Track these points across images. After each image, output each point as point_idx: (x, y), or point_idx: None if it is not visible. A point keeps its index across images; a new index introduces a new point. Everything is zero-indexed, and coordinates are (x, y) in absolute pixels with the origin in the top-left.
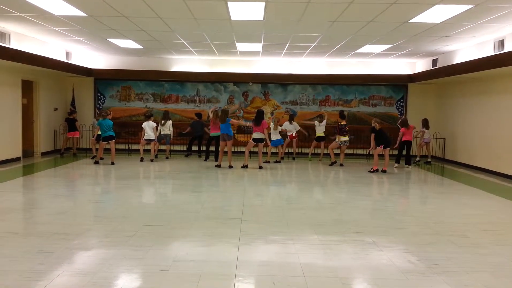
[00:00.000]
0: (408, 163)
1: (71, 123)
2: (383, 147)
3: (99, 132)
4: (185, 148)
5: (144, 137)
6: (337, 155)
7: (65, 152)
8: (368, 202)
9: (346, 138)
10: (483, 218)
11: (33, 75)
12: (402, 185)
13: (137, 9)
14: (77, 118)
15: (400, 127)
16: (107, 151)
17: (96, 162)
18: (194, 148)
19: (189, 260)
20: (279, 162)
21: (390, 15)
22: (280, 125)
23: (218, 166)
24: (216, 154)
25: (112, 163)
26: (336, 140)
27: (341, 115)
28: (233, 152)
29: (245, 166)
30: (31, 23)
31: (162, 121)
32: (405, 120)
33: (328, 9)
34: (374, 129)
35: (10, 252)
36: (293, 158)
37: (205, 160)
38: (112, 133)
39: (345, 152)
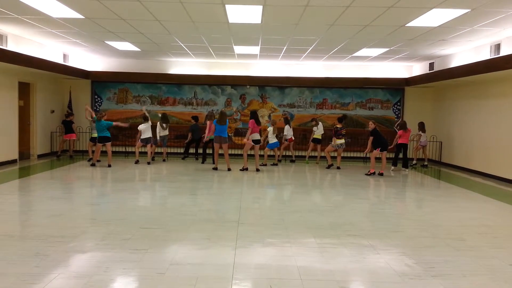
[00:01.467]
0: (405, 166)
1: (67, 125)
2: (380, 150)
3: (95, 134)
4: (181, 150)
5: (141, 137)
6: (333, 157)
7: (61, 154)
8: (365, 205)
9: (342, 141)
10: (480, 221)
11: (30, 77)
12: (399, 188)
13: (135, 12)
14: (74, 120)
15: (397, 130)
16: (103, 153)
17: (93, 165)
18: (192, 150)
19: (185, 263)
20: (276, 165)
21: (387, 19)
22: (277, 128)
23: (215, 168)
24: (213, 157)
25: (109, 166)
26: (332, 143)
27: (339, 118)
28: (230, 155)
29: (245, 169)
30: (29, 25)
31: (164, 125)
32: (404, 122)
33: (325, 13)
34: (373, 132)
35: (6, 255)
36: (292, 161)
37: (202, 163)
38: (107, 134)
39: (342, 155)
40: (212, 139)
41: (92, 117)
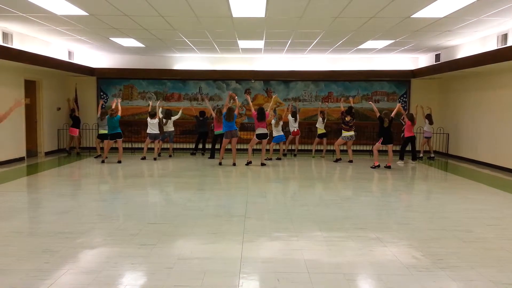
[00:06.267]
0: (413, 158)
1: (75, 120)
2: (382, 143)
3: (102, 131)
4: (188, 146)
5: (148, 132)
6: (343, 152)
7: (76, 148)
8: (371, 198)
9: (351, 133)
10: (488, 213)
11: (36, 75)
12: (406, 181)
13: (139, 8)
14: (79, 116)
15: (403, 123)
16: (111, 150)
17: (103, 161)
18: (201, 146)
19: (193, 258)
20: (280, 159)
21: (392, 10)
22: (281, 120)
23: (220, 164)
24: (218, 151)
25: (119, 162)
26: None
27: (346, 111)
28: (236, 150)
29: (249, 163)
30: (33, 23)
31: (164, 120)
32: (411, 115)
33: (330, 5)
34: (380, 119)
35: (16, 252)
36: (294, 155)
37: (210, 157)
38: (119, 130)
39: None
40: (219, 134)
41: (100, 114)
